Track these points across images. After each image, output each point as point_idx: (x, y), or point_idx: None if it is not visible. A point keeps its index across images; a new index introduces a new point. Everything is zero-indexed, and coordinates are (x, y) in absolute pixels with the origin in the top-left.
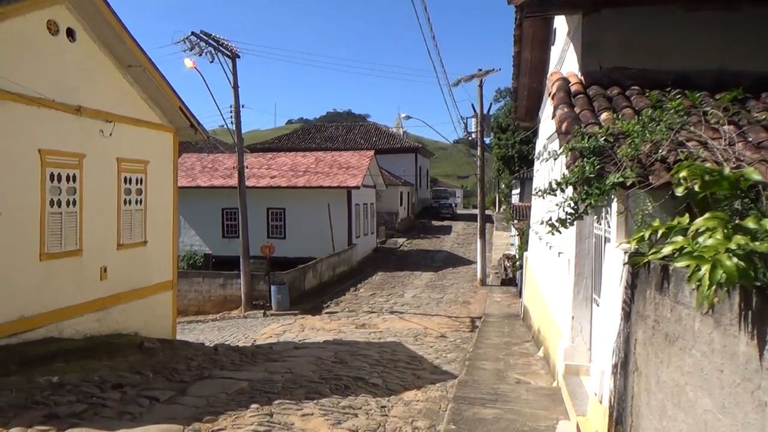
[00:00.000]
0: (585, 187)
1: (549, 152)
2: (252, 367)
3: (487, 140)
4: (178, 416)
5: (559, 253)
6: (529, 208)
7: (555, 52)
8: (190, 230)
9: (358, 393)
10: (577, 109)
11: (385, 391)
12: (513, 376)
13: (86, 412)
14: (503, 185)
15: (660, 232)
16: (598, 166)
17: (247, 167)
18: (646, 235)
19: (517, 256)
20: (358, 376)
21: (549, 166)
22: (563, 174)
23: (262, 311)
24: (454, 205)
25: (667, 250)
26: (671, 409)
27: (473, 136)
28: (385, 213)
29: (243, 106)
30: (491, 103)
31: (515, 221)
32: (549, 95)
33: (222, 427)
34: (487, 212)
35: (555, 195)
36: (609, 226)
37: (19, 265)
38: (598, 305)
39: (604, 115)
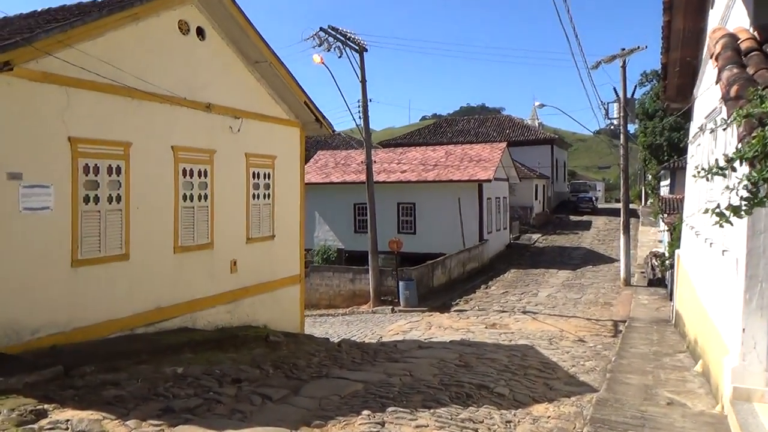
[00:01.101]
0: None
1: (714, 123)
2: (371, 367)
3: (631, 128)
4: (287, 418)
5: (724, 251)
6: (682, 200)
7: (715, 14)
8: (324, 225)
9: (480, 404)
10: (750, 70)
11: (511, 402)
12: (664, 394)
13: (200, 407)
14: (650, 176)
15: None
16: None
17: (377, 162)
18: None
19: (666, 254)
20: (482, 384)
21: (709, 148)
22: (736, 148)
23: (390, 307)
24: (594, 198)
25: None
26: None
27: (615, 123)
28: (519, 207)
29: (371, 101)
30: (635, 87)
31: (664, 215)
32: (711, 56)
33: None
34: (632, 206)
35: (724, 175)
36: None
37: (156, 257)
38: None
39: None
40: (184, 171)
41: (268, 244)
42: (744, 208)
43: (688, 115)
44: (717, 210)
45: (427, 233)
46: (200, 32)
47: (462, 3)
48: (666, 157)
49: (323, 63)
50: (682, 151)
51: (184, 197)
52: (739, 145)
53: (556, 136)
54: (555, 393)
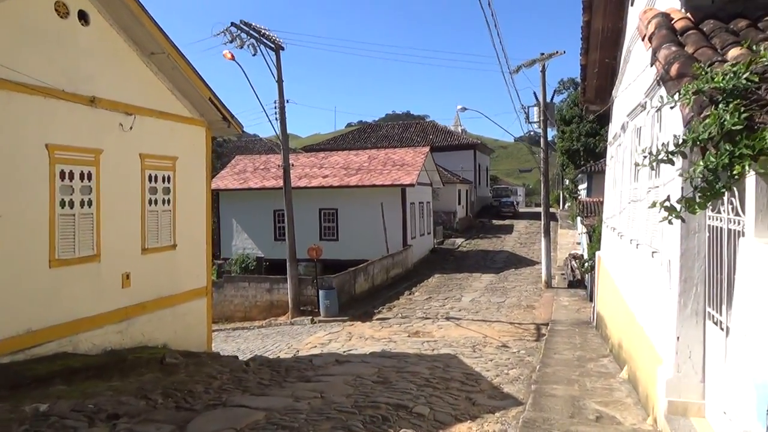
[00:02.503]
0: (726, 147)
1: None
2: (279, 390)
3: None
4: None
5: (653, 252)
6: (600, 203)
7: (638, 6)
8: (242, 233)
9: (398, 427)
10: (688, 49)
11: (431, 424)
12: (592, 407)
13: None
14: (568, 181)
15: None
16: (745, 114)
17: (298, 167)
18: None
19: (585, 256)
20: (401, 403)
21: (632, 146)
22: (683, 132)
23: (310, 317)
24: (515, 203)
25: None
26: None
27: (536, 128)
28: (443, 212)
29: (288, 102)
30: (554, 92)
31: (583, 218)
32: (644, 38)
33: None
34: (551, 210)
35: (672, 162)
36: (741, 212)
37: (26, 273)
38: (718, 324)
39: (734, 51)
40: (62, 173)
41: (168, 254)
42: (699, 200)
43: (606, 119)
44: (667, 204)
45: (350, 239)
46: (82, 16)
47: (390, 7)
48: (583, 162)
49: (234, 59)
50: (598, 156)
51: (62, 203)
52: (683, 131)
53: (479, 142)
54: (478, 409)
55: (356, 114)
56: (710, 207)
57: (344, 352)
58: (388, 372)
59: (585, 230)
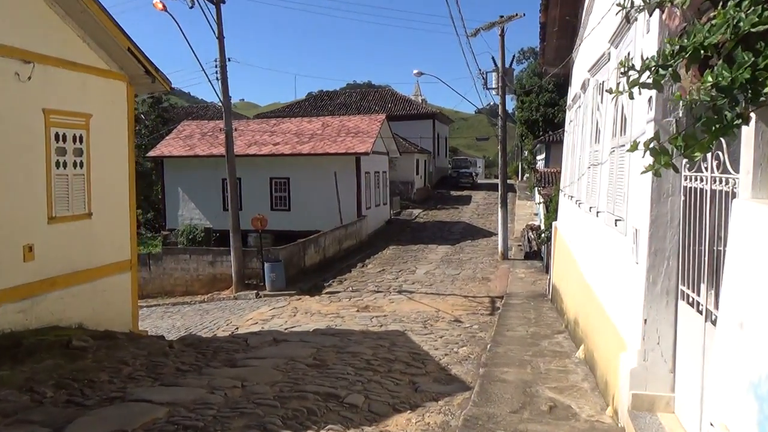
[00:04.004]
0: (745, 56)
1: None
2: (195, 379)
3: (510, 104)
4: None
5: (616, 220)
6: (557, 173)
7: None
8: (189, 203)
9: (323, 423)
10: None
11: (364, 416)
12: (546, 394)
13: None
14: (527, 153)
15: None
16: None
17: (248, 134)
18: None
19: (542, 227)
20: (332, 392)
21: (593, 106)
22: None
23: (255, 291)
24: (474, 174)
25: None
26: None
27: (494, 94)
28: (400, 182)
29: (230, 60)
30: (513, 58)
31: (541, 189)
32: None
33: None
34: (510, 181)
35: (660, 89)
36: (730, 168)
37: None
38: (694, 306)
39: None
40: None
41: (82, 224)
42: (699, 142)
43: (565, 89)
44: (654, 145)
45: (303, 210)
46: None
47: None
48: (541, 133)
49: (166, 10)
50: (557, 126)
51: None
52: (666, 45)
53: (438, 111)
54: (421, 396)
55: (317, 83)
56: (686, 165)
57: (286, 329)
58: (327, 353)
59: (542, 200)
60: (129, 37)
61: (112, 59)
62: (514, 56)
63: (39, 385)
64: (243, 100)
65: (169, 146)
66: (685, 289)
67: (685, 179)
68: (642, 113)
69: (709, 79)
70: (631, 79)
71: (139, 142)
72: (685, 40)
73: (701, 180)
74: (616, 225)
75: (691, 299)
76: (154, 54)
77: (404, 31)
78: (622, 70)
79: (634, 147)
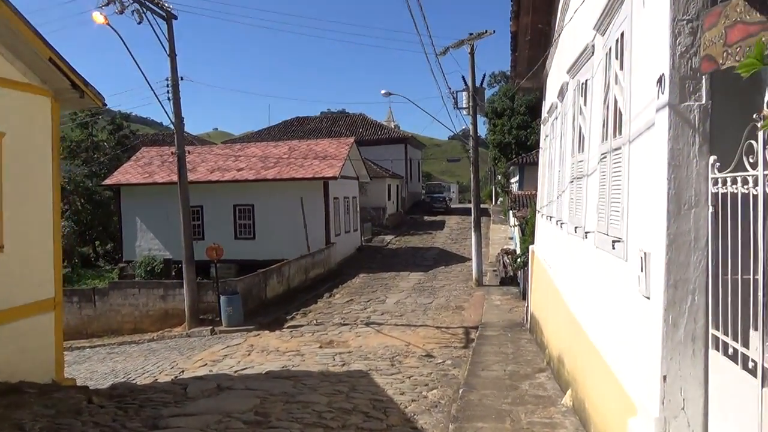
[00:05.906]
0: None
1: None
2: None
3: (482, 130)
4: None
5: (614, 241)
6: (532, 196)
7: None
8: (147, 233)
9: None
10: None
11: None
12: None
13: None
14: (500, 176)
15: None
16: None
17: (211, 160)
18: None
19: (518, 251)
20: None
21: (574, 110)
22: None
23: (210, 327)
24: (448, 199)
25: None
26: None
27: (464, 114)
28: (371, 208)
29: (182, 78)
30: (484, 76)
31: (516, 211)
32: None
33: None
34: (483, 206)
35: None
36: None
37: None
38: (737, 360)
39: None
40: None
41: None
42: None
43: (537, 112)
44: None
45: (269, 238)
46: None
47: None
48: (514, 156)
49: (108, 24)
50: (530, 149)
51: None
52: None
53: (411, 136)
54: None
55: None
56: (717, 164)
57: (236, 372)
58: (273, 404)
59: (517, 223)
60: (51, 46)
61: (32, 71)
62: (484, 75)
63: None
64: (217, 129)
65: (126, 173)
66: (719, 334)
67: (714, 183)
68: (647, 99)
69: None
70: None
71: (97, 171)
72: None
73: (744, 182)
74: (613, 248)
75: (729, 349)
76: (120, 75)
77: (376, 55)
78: None
79: None
